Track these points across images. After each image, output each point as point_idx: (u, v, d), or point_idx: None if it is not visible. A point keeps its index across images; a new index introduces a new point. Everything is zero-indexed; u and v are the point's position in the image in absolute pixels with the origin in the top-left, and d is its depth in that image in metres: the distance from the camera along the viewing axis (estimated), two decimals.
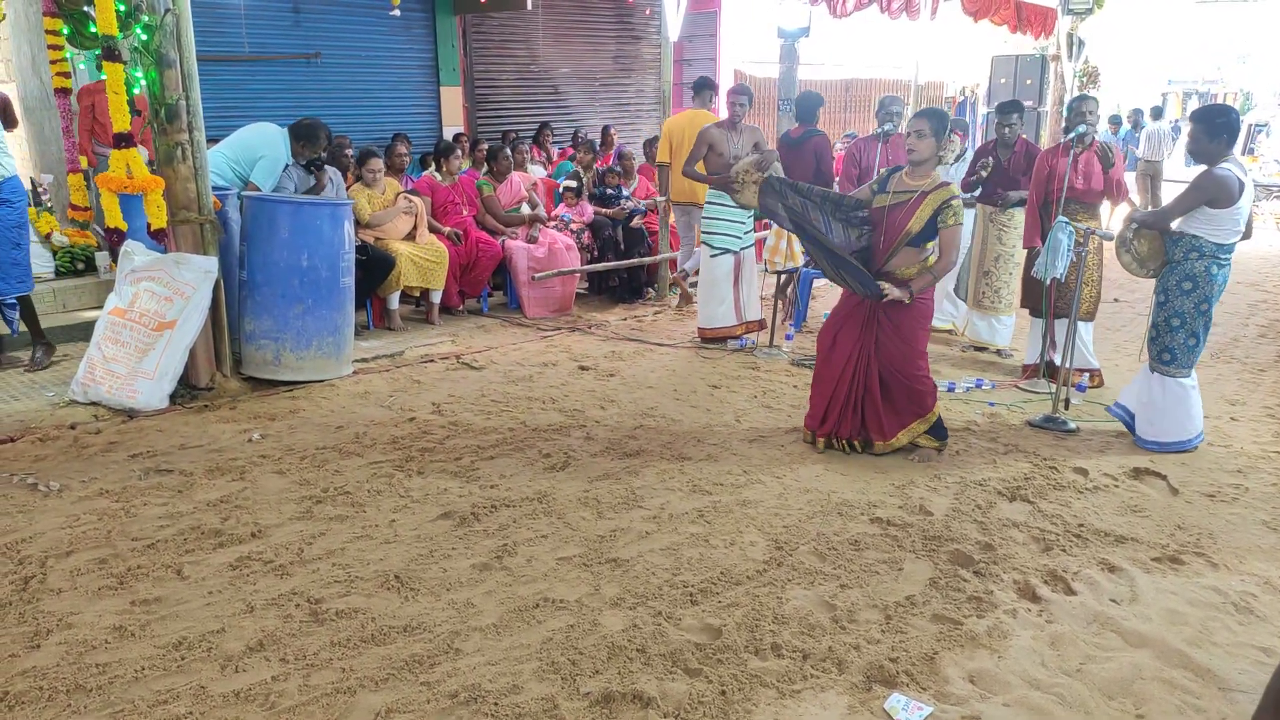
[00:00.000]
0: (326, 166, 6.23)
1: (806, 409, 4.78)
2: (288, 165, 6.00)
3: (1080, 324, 5.58)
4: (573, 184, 8.04)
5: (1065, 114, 5.61)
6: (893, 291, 4.30)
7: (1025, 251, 5.82)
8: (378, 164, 6.72)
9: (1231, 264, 4.56)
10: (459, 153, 7.51)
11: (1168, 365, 4.64)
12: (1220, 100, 23.31)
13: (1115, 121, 14.99)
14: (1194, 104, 22.06)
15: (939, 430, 4.58)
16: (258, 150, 5.87)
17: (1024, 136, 6.31)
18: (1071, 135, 5.37)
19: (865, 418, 4.57)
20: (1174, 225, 4.54)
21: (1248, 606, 3.27)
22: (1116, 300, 8.21)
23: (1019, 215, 6.28)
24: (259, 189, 5.80)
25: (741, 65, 13.52)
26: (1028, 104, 11.79)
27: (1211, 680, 2.85)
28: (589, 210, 8.04)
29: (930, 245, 4.37)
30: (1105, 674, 2.86)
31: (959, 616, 3.16)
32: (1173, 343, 4.60)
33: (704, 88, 7.34)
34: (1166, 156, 13.82)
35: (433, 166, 7.69)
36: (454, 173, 7.34)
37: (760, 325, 6.70)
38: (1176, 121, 19.38)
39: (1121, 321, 7.47)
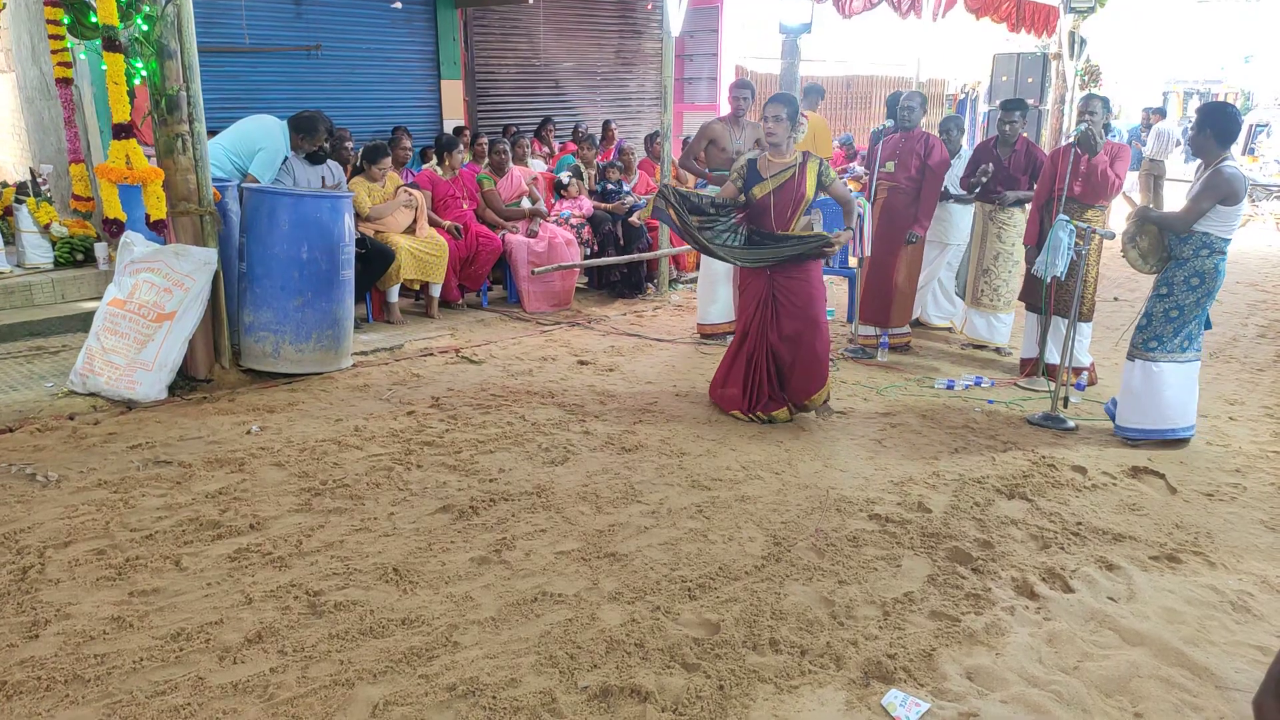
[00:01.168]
0: (328, 160, 6.22)
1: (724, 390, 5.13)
2: (287, 158, 5.99)
3: (1085, 323, 5.59)
4: (564, 179, 8.03)
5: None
6: (843, 236, 4.87)
7: (1024, 250, 5.82)
8: (388, 162, 6.71)
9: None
10: (461, 148, 7.50)
11: (1152, 351, 4.67)
12: (1221, 99, 23.32)
13: (1158, 113, 14.72)
14: (1195, 104, 22.03)
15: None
16: (257, 142, 5.87)
17: (1025, 135, 6.30)
18: (1074, 132, 5.38)
19: (785, 384, 4.99)
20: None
21: (1245, 605, 3.28)
22: (1116, 299, 8.22)
23: (1018, 214, 6.29)
24: (258, 181, 5.79)
25: (743, 61, 13.50)
26: (1030, 102, 11.77)
27: (1209, 679, 2.85)
28: (588, 205, 8.03)
29: (814, 211, 5.08)
30: (1102, 672, 2.87)
31: (957, 613, 3.17)
32: (1163, 332, 4.64)
33: (812, 92, 7.99)
34: (1170, 156, 13.81)
35: (434, 160, 7.68)
36: (455, 167, 7.33)
37: None
38: (1185, 122, 19.35)
39: (1122, 320, 7.47)
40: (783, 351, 4.91)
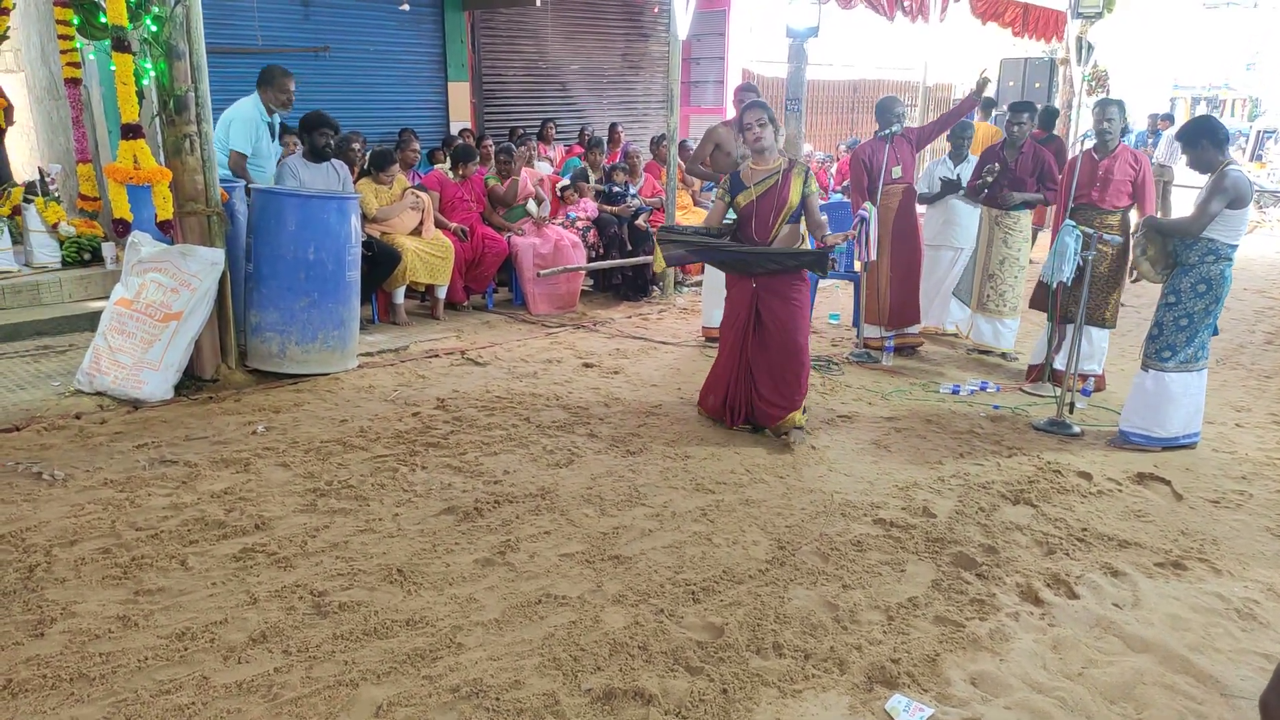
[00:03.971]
0: (333, 160, 6.23)
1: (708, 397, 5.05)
2: (285, 160, 6.00)
3: (1102, 330, 5.57)
4: (565, 183, 8.06)
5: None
6: (833, 238, 4.72)
7: (1030, 254, 5.81)
8: (395, 169, 6.73)
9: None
10: (478, 159, 7.50)
11: (1165, 362, 4.66)
12: (1228, 106, 23.27)
13: (1166, 118, 14.72)
14: (1202, 109, 21.99)
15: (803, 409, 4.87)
16: (228, 118, 5.89)
17: (1032, 139, 6.29)
18: (1083, 137, 5.37)
19: (758, 400, 4.84)
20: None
21: (1250, 613, 3.27)
22: (1123, 304, 8.19)
23: (1024, 218, 6.28)
24: (243, 154, 5.81)
25: (750, 64, 13.50)
26: (1038, 107, 11.77)
27: (1213, 686, 2.85)
28: (593, 208, 8.04)
29: (801, 221, 4.75)
30: (1107, 678, 2.86)
31: (961, 619, 3.16)
32: (1175, 341, 4.63)
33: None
34: (1179, 162, 13.80)
35: (446, 163, 7.69)
36: (469, 175, 7.34)
37: None
38: None
39: (1128, 325, 7.45)
40: (757, 370, 4.80)
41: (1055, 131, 9.91)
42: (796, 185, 4.65)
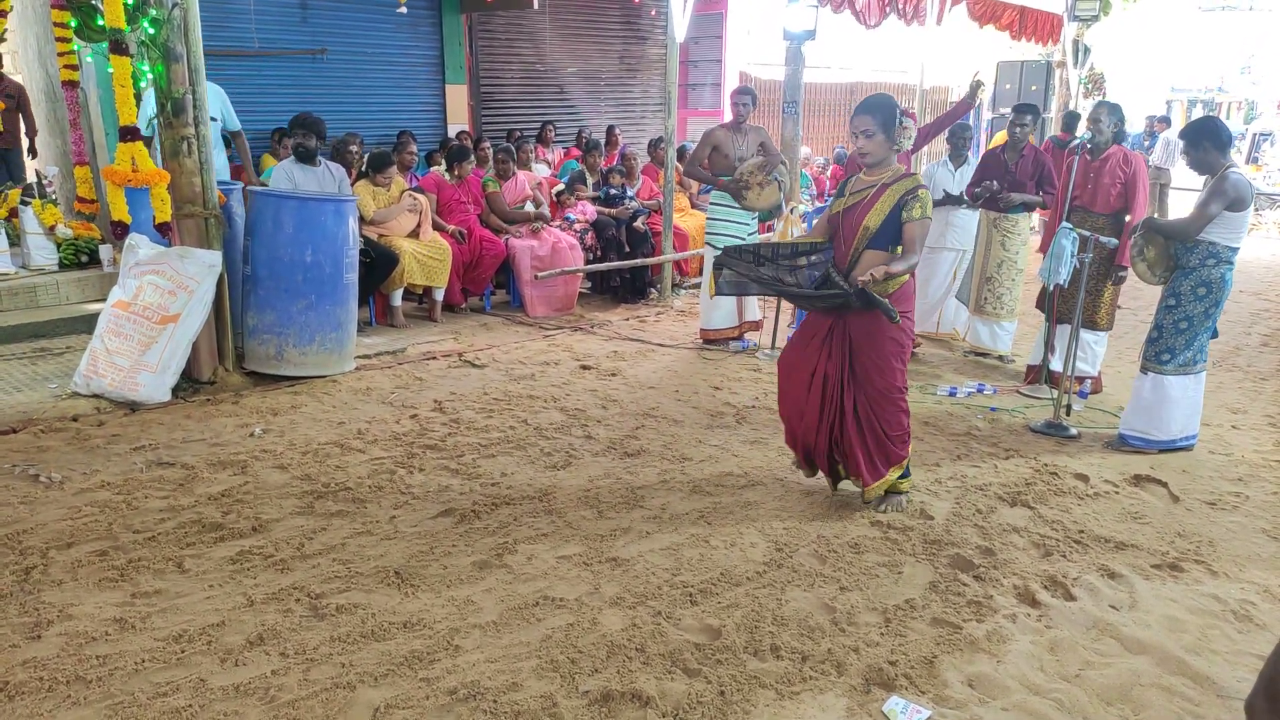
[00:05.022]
0: (330, 163, 6.23)
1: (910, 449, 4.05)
2: (278, 164, 6.00)
3: (1096, 333, 5.57)
4: (561, 187, 8.08)
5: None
6: (864, 276, 3.63)
7: (1030, 258, 5.82)
8: (393, 170, 6.74)
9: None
10: (473, 159, 7.51)
11: (1164, 365, 4.67)
12: (1224, 109, 23.33)
13: (1162, 121, 14.78)
14: (1198, 112, 22.03)
15: (908, 471, 4.06)
16: (213, 104, 5.86)
17: (1055, 140, 6.28)
18: (1075, 142, 5.38)
19: (845, 452, 3.97)
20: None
21: (1247, 615, 3.28)
22: (1120, 307, 8.20)
23: (1022, 221, 6.29)
24: (241, 132, 5.98)
25: (747, 67, 13.52)
26: (1040, 109, 11.80)
27: (1210, 688, 2.85)
28: (591, 210, 8.04)
29: (899, 249, 3.78)
30: (1104, 680, 2.86)
31: (958, 620, 3.16)
32: (1175, 344, 4.64)
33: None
34: (1176, 165, 13.84)
35: (442, 165, 7.70)
36: (464, 176, 7.35)
37: (756, 325, 6.72)
38: None
39: (1125, 328, 7.47)
40: (835, 410, 3.94)
41: (1077, 133, 9.96)
42: (885, 203, 3.71)
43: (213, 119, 5.71)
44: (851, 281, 3.70)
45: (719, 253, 4.06)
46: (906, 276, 3.77)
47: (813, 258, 3.94)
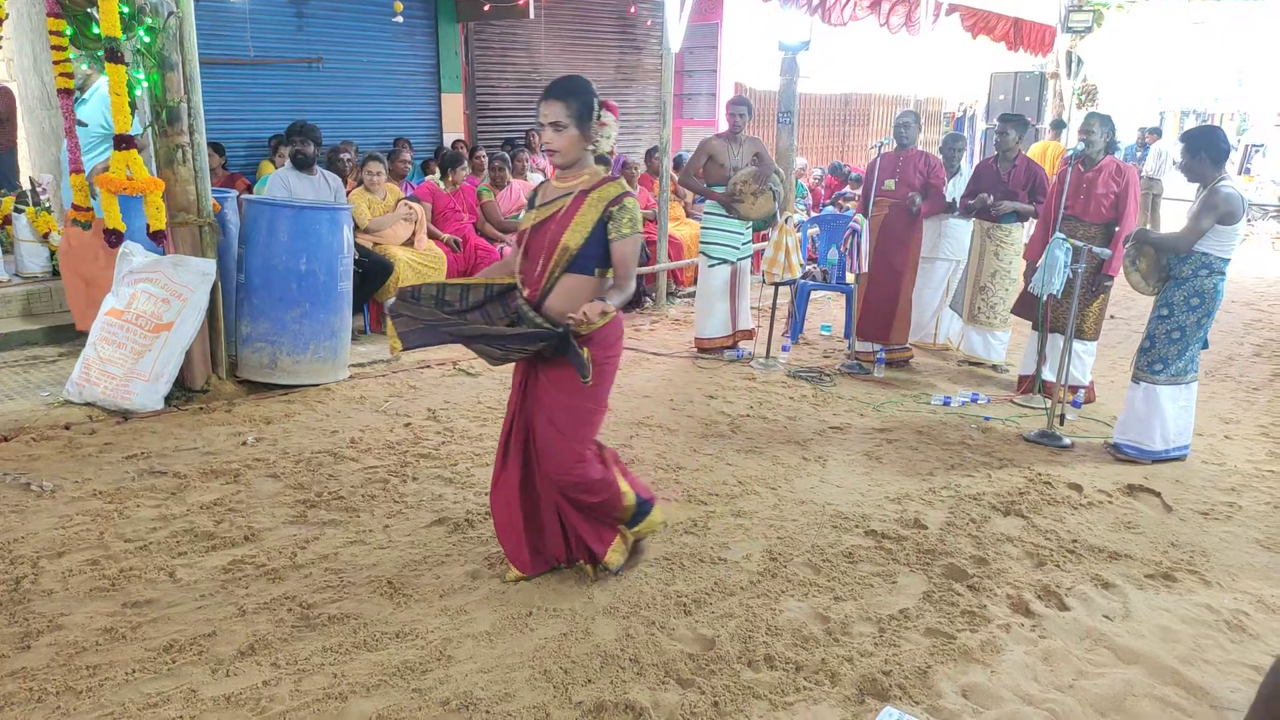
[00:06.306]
0: (327, 171, 6.24)
1: (627, 495, 3.33)
2: (275, 171, 6.00)
3: (1084, 343, 5.59)
4: None
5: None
6: (577, 316, 2.84)
7: (1022, 267, 5.85)
8: (378, 167, 6.74)
9: None
10: (467, 166, 7.52)
11: (1157, 375, 4.69)
12: (1217, 120, 23.46)
13: (1153, 133, 14.88)
14: (1191, 123, 22.17)
15: (640, 511, 3.35)
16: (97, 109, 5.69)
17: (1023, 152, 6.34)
18: (1070, 153, 5.41)
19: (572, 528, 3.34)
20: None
21: (1240, 625, 3.28)
22: (1112, 317, 8.24)
23: (1016, 231, 6.32)
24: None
25: (742, 77, 13.57)
26: (1028, 120, 11.86)
27: (1203, 698, 2.85)
28: None
29: (610, 274, 3.08)
30: (1097, 690, 2.86)
31: (952, 630, 3.16)
32: (1168, 354, 4.66)
33: (1059, 126, 7.70)
34: (1167, 175, 13.92)
35: (436, 174, 7.71)
36: (458, 183, 7.35)
37: (749, 334, 6.73)
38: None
39: (1118, 338, 7.50)
40: (528, 482, 3.30)
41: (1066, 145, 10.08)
42: (588, 216, 3.01)
43: (101, 127, 5.58)
44: (550, 316, 3.00)
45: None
46: (615, 313, 3.04)
47: (510, 300, 3.20)
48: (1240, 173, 16.89)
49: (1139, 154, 14.24)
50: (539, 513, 3.34)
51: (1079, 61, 13.26)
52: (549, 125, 3.03)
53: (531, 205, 3.22)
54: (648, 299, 8.19)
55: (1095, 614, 3.32)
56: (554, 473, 3.19)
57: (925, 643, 3.08)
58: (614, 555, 3.36)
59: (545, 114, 3.04)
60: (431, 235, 7.01)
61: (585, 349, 3.00)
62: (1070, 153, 5.41)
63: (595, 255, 3.05)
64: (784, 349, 6.82)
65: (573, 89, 3.03)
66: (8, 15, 6.60)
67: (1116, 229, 5.33)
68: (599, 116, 3.09)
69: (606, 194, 3.04)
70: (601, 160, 2.95)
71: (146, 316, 4.98)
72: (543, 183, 3.28)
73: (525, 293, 3.12)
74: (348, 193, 6.59)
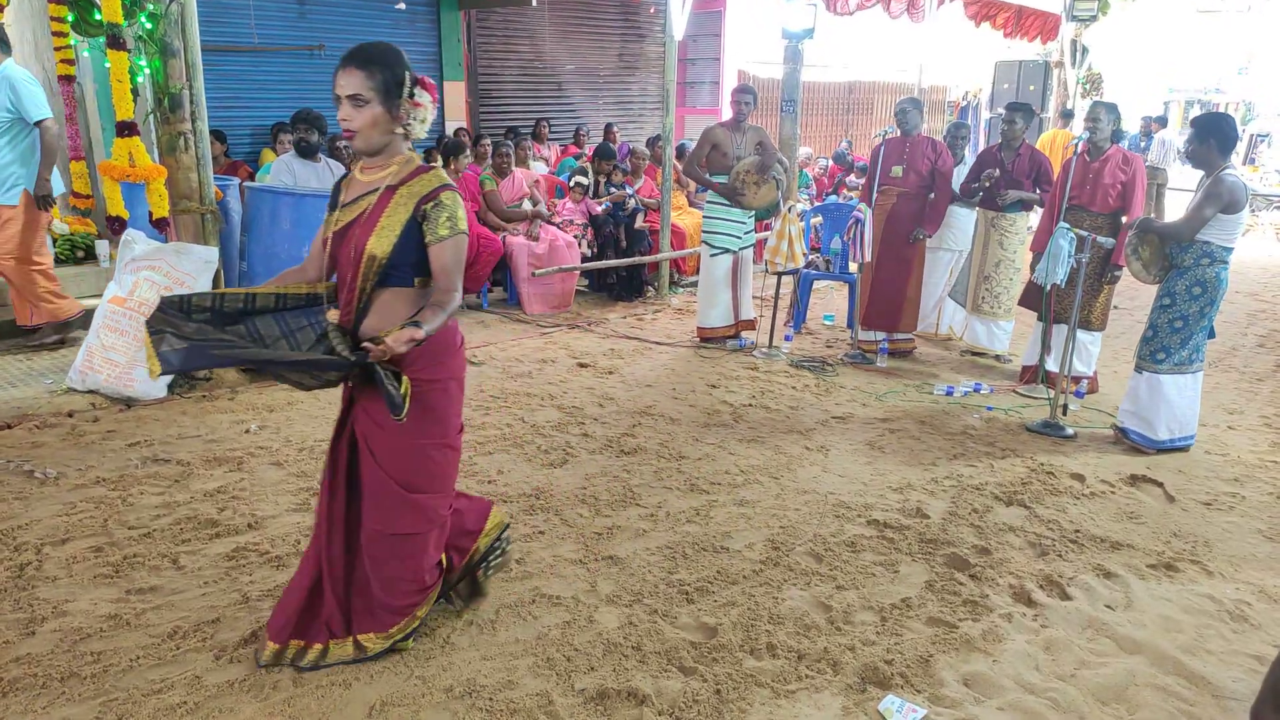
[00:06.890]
0: (330, 159, 6.23)
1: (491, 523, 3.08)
2: (279, 157, 5.99)
3: (1090, 333, 5.57)
4: (584, 180, 8.04)
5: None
6: (375, 349, 2.33)
7: (1027, 258, 5.83)
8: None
9: None
10: (468, 154, 7.49)
11: (1160, 364, 4.68)
12: (1222, 109, 23.36)
13: (1158, 121, 14.86)
14: (1196, 112, 22.07)
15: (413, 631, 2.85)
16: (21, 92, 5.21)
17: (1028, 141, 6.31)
18: (1074, 141, 5.38)
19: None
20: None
21: (1242, 614, 3.28)
22: (1116, 307, 8.21)
23: (1020, 220, 6.30)
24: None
25: (745, 65, 13.52)
26: (1034, 109, 11.80)
27: (1205, 688, 2.85)
28: (586, 207, 8.03)
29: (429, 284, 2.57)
30: (1099, 679, 2.87)
31: (954, 620, 3.17)
32: (1170, 343, 4.65)
33: (1069, 115, 7.64)
34: (1171, 164, 13.87)
35: (438, 162, 7.68)
36: (460, 171, 7.33)
37: (752, 324, 6.72)
38: (1187, 131, 19.39)
39: (1121, 328, 7.48)
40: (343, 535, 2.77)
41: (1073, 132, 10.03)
42: (397, 215, 2.51)
43: (6, 110, 5.14)
44: (351, 346, 2.52)
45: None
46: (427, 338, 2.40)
47: (312, 314, 2.69)
48: (1245, 162, 16.82)
49: (1143, 143, 14.17)
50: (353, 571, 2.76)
51: (1084, 50, 13.19)
52: (346, 99, 2.47)
53: (334, 206, 2.67)
54: (650, 288, 8.18)
55: (1097, 604, 3.32)
56: (377, 533, 2.67)
57: (927, 632, 3.09)
58: (372, 643, 2.77)
59: (342, 84, 2.47)
60: None
61: (403, 375, 2.44)
62: (1075, 140, 5.38)
63: (411, 263, 2.53)
64: (786, 338, 6.81)
65: (377, 56, 2.48)
66: (9, 1, 6.58)
67: (1124, 219, 5.31)
68: (412, 94, 2.51)
69: (419, 188, 2.52)
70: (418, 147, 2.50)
71: (149, 304, 4.97)
72: (344, 176, 2.73)
73: (338, 313, 2.61)
74: None
